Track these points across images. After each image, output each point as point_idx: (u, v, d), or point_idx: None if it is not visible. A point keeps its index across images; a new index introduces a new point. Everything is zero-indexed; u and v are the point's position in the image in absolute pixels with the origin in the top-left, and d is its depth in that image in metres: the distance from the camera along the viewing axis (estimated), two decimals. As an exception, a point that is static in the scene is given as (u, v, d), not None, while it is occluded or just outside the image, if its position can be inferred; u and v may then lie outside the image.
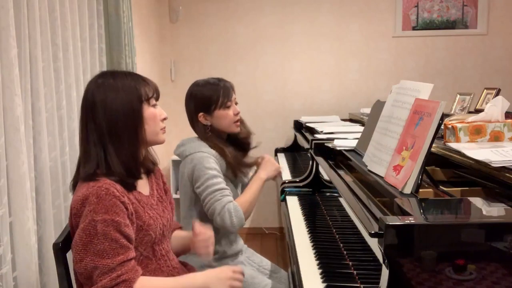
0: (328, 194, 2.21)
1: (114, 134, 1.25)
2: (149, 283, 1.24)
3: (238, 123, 1.90)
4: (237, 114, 1.88)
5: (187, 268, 1.48)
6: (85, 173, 1.23)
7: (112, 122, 1.25)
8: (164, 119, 1.36)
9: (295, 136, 3.53)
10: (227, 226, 1.68)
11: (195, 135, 1.90)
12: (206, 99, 1.82)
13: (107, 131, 1.25)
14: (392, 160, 1.31)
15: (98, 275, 1.15)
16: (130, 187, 1.28)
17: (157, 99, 1.35)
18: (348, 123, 3.15)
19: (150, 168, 1.41)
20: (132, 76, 1.32)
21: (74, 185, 1.30)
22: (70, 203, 1.23)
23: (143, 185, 1.36)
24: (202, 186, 1.73)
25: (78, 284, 1.27)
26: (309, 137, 2.52)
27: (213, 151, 1.80)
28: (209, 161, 1.75)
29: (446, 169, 1.55)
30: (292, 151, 3.55)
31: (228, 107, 1.85)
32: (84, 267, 1.16)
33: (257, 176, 1.91)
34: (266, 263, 1.98)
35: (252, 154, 2.04)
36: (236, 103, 1.89)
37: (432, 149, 1.38)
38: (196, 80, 1.91)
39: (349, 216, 1.73)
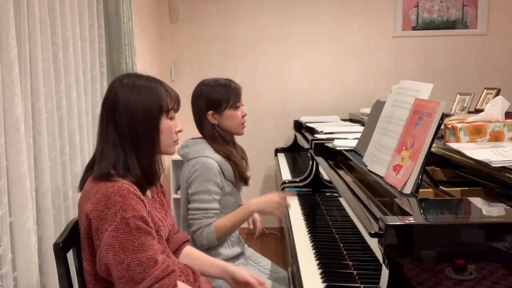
0: (328, 194, 2.21)
1: (135, 138, 1.25)
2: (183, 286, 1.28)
3: (244, 125, 1.91)
4: (244, 116, 1.90)
5: (189, 267, 1.48)
6: (99, 171, 1.22)
7: (133, 127, 1.25)
8: (179, 131, 1.36)
9: (295, 136, 3.53)
10: (196, 243, 1.75)
11: (196, 134, 1.91)
12: (218, 97, 1.84)
13: (128, 134, 1.25)
14: (392, 160, 1.31)
15: (143, 271, 1.14)
16: (143, 190, 1.28)
17: (177, 110, 1.35)
18: (348, 123, 3.15)
19: (159, 177, 1.40)
20: (157, 83, 1.31)
21: (83, 183, 1.29)
22: (87, 206, 1.20)
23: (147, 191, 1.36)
24: (193, 196, 1.77)
25: (87, 282, 1.26)
26: (309, 137, 2.52)
27: (218, 156, 1.80)
28: (210, 172, 1.75)
29: (446, 169, 1.55)
30: (292, 151, 3.55)
31: (237, 108, 1.87)
32: (125, 268, 1.14)
33: (247, 206, 1.80)
34: (266, 263, 1.97)
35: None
36: (242, 105, 1.92)
37: (432, 149, 1.38)
38: (203, 79, 1.92)
39: (349, 216, 1.73)
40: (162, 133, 1.29)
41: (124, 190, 1.18)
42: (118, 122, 1.25)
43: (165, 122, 1.30)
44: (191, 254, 1.54)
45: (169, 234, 1.49)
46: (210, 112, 1.84)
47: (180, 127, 1.36)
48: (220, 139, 1.86)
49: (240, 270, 1.45)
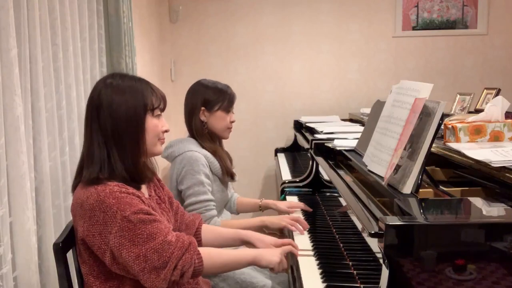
0: (328, 194, 2.21)
1: (118, 138, 1.25)
2: (206, 248, 1.31)
3: (231, 130, 1.97)
4: (232, 122, 1.96)
5: None
6: (88, 176, 1.23)
7: (116, 126, 1.24)
8: (166, 131, 1.35)
9: (295, 136, 3.52)
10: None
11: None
12: (213, 97, 1.89)
13: (111, 133, 1.24)
14: (391, 160, 1.31)
15: (161, 256, 1.15)
16: (136, 187, 1.28)
17: (163, 109, 1.35)
18: (348, 123, 3.15)
19: (149, 177, 1.39)
20: (142, 83, 1.31)
21: (76, 186, 1.29)
22: (81, 212, 1.20)
23: (143, 189, 1.36)
24: (189, 191, 1.77)
25: (89, 285, 1.26)
26: (309, 137, 2.52)
27: (204, 150, 1.83)
28: (198, 164, 1.78)
29: (446, 169, 1.55)
30: (292, 151, 3.54)
31: (228, 112, 1.93)
32: (143, 260, 1.15)
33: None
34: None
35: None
36: (233, 113, 1.98)
37: (432, 149, 1.38)
38: (202, 78, 1.97)
39: (349, 216, 1.73)
40: (147, 131, 1.28)
41: (116, 192, 1.18)
42: (102, 122, 1.25)
43: (150, 121, 1.29)
44: (212, 230, 1.57)
45: (180, 222, 1.51)
46: (203, 109, 1.89)
47: (167, 127, 1.35)
48: (208, 136, 1.91)
49: (263, 255, 1.35)
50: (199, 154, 1.80)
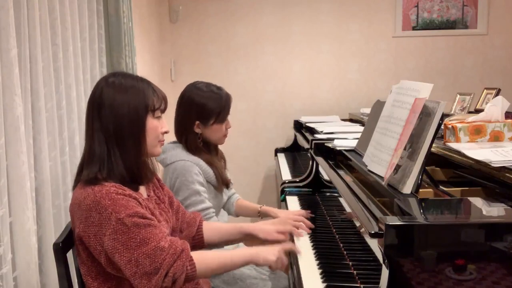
0: (328, 194, 2.21)
1: (119, 137, 1.24)
2: (200, 252, 1.28)
3: (226, 136, 1.91)
4: (228, 128, 1.90)
5: None
6: (87, 175, 1.22)
7: (118, 125, 1.24)
8: (165, 132, 1.35)
9: (295, 136, 3.52)
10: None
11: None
12: (208, 110, 1.81)
13: (113, 133, 1.24)
14: (391, 160, 1.31)
15: (153, 261, 1.15)
16: (134, 188, 1.28)
17: (163, 111, 1.34)
18: (348, 123, 3.15)
19: (148, 178, 1.38)
20: (144, 83, 1.31)
21: (76, 185, 1.29)
22: (79, 212, 1.20)
23: (141, 189, 1.35)
24: (186, 202, 1.74)
25: (88, 286, 1.26)
26: (309, 137, 2.52)
27: (196, 158, 1.80)
28: (192, 174, 1.74)
29: (446, 169, 1.55)
30: (292, 151, 3.54)
31: (224, 121, 1.86)
32: (135, 265, 1.14)
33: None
34: (266, 263, 1.97)
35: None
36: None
37: (432, 149, 1.38)
38: (195, 81, 1.89)
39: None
40: (147, 133, 1.28)
41: (112, 193, 1.18)
42: (103, 121, 1.24)
43: (150, 122, 1.29)
44: (213, 226, 1.57)
45: (181, 221, 1.50)
46: (198, 122, 1.82)
47: (167, 128, 1.35)
48: (202, 148, 1.85)
49: (261, 252, 1.34)
50: (191, 163, 1.77)
